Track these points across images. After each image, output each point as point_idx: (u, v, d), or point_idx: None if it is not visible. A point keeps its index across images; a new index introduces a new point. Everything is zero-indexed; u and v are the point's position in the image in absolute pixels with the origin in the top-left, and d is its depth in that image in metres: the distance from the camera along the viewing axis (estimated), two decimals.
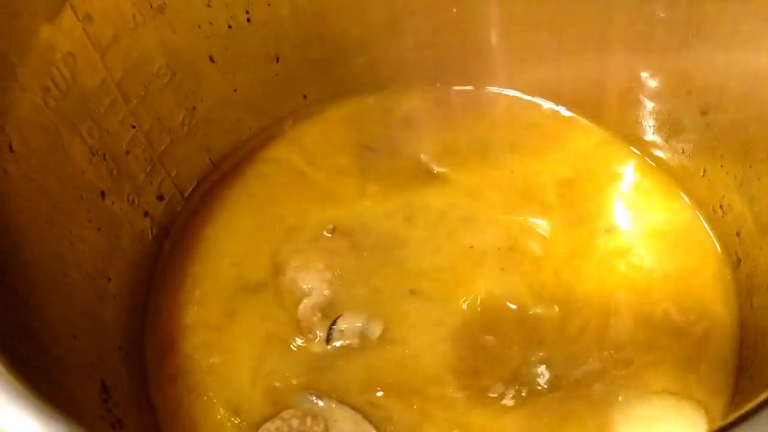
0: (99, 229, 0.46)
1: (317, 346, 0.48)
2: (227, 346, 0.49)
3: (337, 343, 0.48)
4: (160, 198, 0.52)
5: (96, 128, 0.45)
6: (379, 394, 0.46)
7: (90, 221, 0.45)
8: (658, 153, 0.54)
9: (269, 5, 0.52)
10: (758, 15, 0.43)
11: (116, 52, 0.45)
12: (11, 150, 0.38)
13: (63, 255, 0.42)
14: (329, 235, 0.53)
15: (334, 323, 0.48)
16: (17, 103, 0.39)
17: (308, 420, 0.47)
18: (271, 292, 0.51)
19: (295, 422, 0.47)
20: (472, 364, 0.47)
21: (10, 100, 0.38)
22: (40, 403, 0.27)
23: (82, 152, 0.44)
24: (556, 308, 0.49)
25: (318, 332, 0.48)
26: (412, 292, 0.50)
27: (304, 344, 0.48)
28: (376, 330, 0.48)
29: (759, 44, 0.44)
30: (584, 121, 0.56)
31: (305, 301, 0.49)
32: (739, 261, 0.49)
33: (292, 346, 0.48)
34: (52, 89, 0.41)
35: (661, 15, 0.48)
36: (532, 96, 0.57)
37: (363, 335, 0.48)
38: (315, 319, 0.48)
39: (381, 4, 0.55)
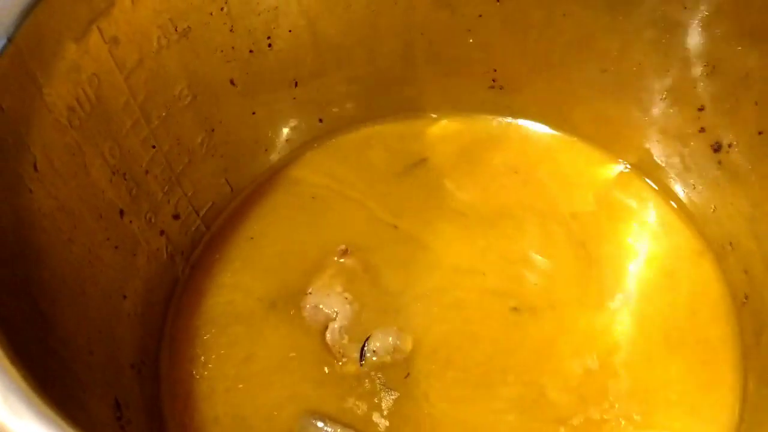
0: (116, 248, 0.47)
1: (351, 368, 0.49)
2: (245, 371, 0.49)
3: (373, 359, 0.49)
4: (176, 217, 0.53)
5: (117, 148, 0.46)
6: None
7: (108, 240, 0.46)
8: (671, 188, 0.54)
9: (290, 32, 0.53)
10: None
11: (140, 74, 0.46)
12: (36, 169, 0.39)
13: (81, 273, 0.43)
14: (342, 260, 0.54)
15: (365, 344, 0.49)
16: (43, 123, 0.40)
17: None
18: (290, 316, 0.51)
19: None
20: None
21: (36, 119, 0.39)
22: (58, 417, 0.27)
23: (104, 172, 0.45)
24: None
25: (352, 354, 0.49)
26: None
27: (337, 366, 0.49)
28: (407, 344, 0.49)
29: None
30: (600, 153, 0.57)
31: (332, 325, 0.50)
32: (746, 298, 0.50)
33: (324, 368, 0.49)
34: (77, 109, 0.42)
35: (677, 51, 0.49)
36: (552, 128, 0.58)
37: (396, 350, 0.49)
38: (344, 341, 0.49)
39: (395, 32, 0.56)
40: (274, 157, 0.59)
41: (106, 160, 0.45)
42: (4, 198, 0.36)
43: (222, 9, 0.49)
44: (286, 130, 0.58)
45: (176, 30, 0.47)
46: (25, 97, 0.38)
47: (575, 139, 0.58)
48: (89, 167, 0.44)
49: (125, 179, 0.47)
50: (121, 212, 0.47)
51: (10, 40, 0.37)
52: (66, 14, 0.40)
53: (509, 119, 0.59)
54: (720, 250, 0.52)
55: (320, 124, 0.59)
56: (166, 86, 0.48)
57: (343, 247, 0.54)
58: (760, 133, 0.46)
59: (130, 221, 0.48)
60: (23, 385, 0.27)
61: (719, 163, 0.50)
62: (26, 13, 0.37)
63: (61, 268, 0.40)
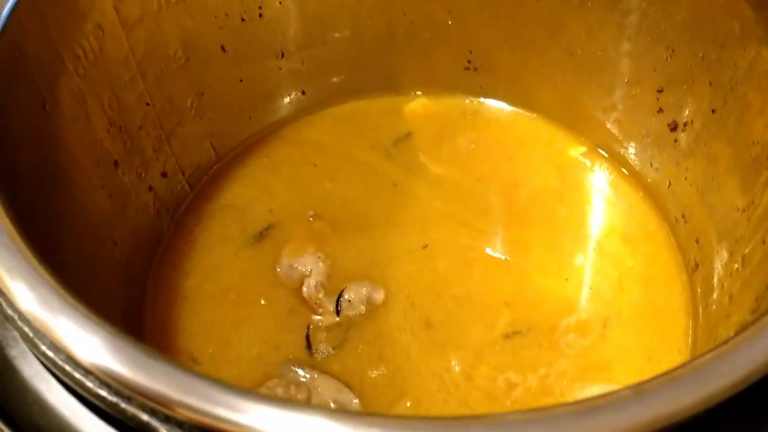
0: (110, 196, 0.49)
1: (328, 319, 0.51)
2: (223, 320, 0.52)
3: (349, 313, 0.52)
4: (164, 175, 0.55)
5: (116, 100, 0.48)
6: None
7: (103, 187, 0.48)
8: (631, 164, 0.59)
9: (280, 3, 0.56)
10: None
11: (140, 31, 0.48)
12: (45, 108, 0.41)
13: (78, 213, 0.45)
14: (312, 223, 0.57)
15: (341, 295, 0.52)
16: (53, 67, 0.42)
17: (292, 388, 0.50)
18: (269, 273, 0.54)
19: (279, 390, 0.50)
20: None
21: (47, 63, 0.41)
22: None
23: (102, 122, 0.47)
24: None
25: (329, 307, 0.52)
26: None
27: (314, 318, 0.52)
28: (380, 296, 0.52)
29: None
30: (565, 132, 0.61)
31: (308, 281, 0.53)
32: (697, 266, 0.54)
33: (302, 320, 0.52)
34: (82, 58, 0.44)
35: (640, 37, 0.53)
36: (521, 108, 0.62)
37: (369, 302, 0.52)
38: (320, 295, 0.52)
39: (378, 12, 0.59)
40: (258, 125, 0.61)
41: (105, 111, 0.47)
42: (23, 127, 0.38)
43: None
44: (271, 100, 0.61)
45: None
46: (39, 41, 0.41)
47: (542, 118, 0.62)
48: (90, 115, 0.46)
49: (121, 132, 0.49)
50: (116, 163, 0.49)
51: None
52: None
53: (482, 99, 0.63)
54: (674, 222, 0.56)
55: (304, 96, 0.62)
56: (163, 46, 0.51)
57: (311, 212, 0.57)
58: (713, 111, 0.50)
59: (123, 173, 0.50)
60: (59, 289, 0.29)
61: (675, 141, 0.55)
62: None
63: (63, 203, 0.42)
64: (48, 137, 0.41)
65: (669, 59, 0.52)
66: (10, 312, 0.30)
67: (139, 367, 0.26)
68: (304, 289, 0.53)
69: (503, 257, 0.55)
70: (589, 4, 0.54)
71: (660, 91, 0.54)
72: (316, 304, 0.52)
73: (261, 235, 0.56)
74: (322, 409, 0.25)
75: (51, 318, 0.28)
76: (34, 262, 0.29)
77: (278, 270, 0.54)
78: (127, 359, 0.27)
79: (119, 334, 0.27)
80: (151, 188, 0.54)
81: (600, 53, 0.56)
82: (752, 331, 0.28)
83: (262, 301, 0.52)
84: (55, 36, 0.42)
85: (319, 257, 0.54)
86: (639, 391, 0.26)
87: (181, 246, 0.56)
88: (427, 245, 0.55)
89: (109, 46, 0.46)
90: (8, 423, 0.30)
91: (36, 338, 0.29)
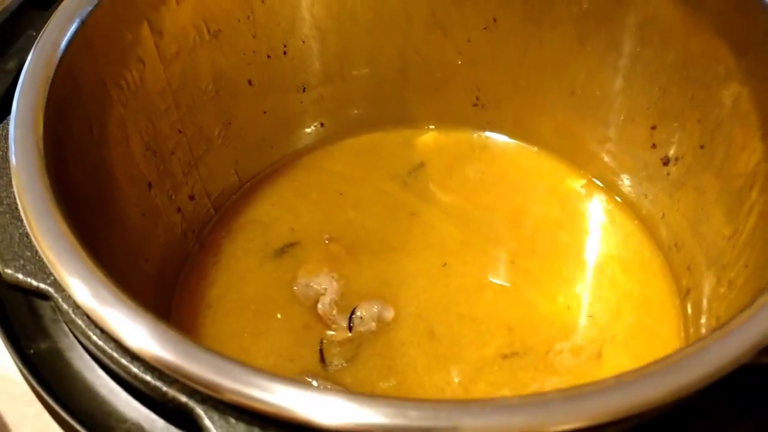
0: (143, 215, 0.53)
1: (341, 334, 0.55)
2: (245, 333, 0.56)
3: (361, 329, 0.55)
4: (192, 198, 0.60)
5: (152, 127, 0.53)
6: None
7: (137, 206, 0.52)
8: (627, 195, 0.63)
9: (303, 42, 0.61)
10: None
11: (176, 66, 0.53)
12: (92, 133, 0.46)
13: (115, 229, 0.49)
14: (328, 246, 0.61)
15: (353, 312, 0.56)
16: (99, 96, 0.47)
17: None
18: (287, 289, 0.58)
19: None
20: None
21: (95, 92, 0.46)
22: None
23: (140, 146, 0.52)
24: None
25: (342, 323, 0.56)
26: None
27: (329, 334, 0.55)
28: (390, 314, 0.56)
29: None
30: (565, 165, 0.65)
31: (323, 299, 0.57)
32: (688, 291, 0.57)
33: (317, 335, 0.55)
34: (125, 88, 0.49)
35: (635, 78, 0.57)
36: (525, 142, 0.67)
37: (380, 319, 0.56)
38: (334, 312, 0.56)
39: (393, 51, 0.64)
40: (279, 154, 0.66)
41: (143, 136, 0.52)
42: (74, 149, 0.42)
43: (248, 17, 0.57)
44: (292, 131, 0.66)
45: (209, 31, 0.55)
46: (90, 73, 0.45)
47: (544, 151, 0.66)
48: (129, 140, 0.50)
49: (155, 156, 0.54)
50: (150, 185, 0.54)
51: (83, 22, 0.44)
52: (126, 6, 0.47)
53: (488, 133, 0.68)
54: (667, 250, 0.60)
55: (323, 127, 0.67)
56: (196, 79, 0.56)
57: (327, 236, 0.61)
58: (701, 146, 0.54)
59: (155, 194, 0.55)
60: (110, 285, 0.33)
61: (668, 174, 0.59)
62: (97, 2, 0.45)
63: (105, 220, 0.46)
64: (94, 159, 0.45)
65: (661, 98, 0.57)
66: (65, 306, 0.34)
67: (180, 352, 0.30)
68: (319, 306, 0.57)
69: (508, 283, 0.59)
70: (589, 48, 0.59)
71: (653, 127, 0.58)
72: (330, 320, 0.56)
73: (282, 251, 0.60)
74: (341, 390, 0.29)
75: (104, 309, 0.32)
76: (90, 263, 0.33)
77: (295, 288, 0.58)
78: (170, 345, 0.30)
79: (163, 324, 0.31)
80: (179, 209, 0.58)
81: (598, 92, 0.61)
82: (719, 333, 0.32)
83: (279, 316, 0.56)
84: (103, 68, 0.46)
85: (334, 277, 0.58)
86: (620, 381, 0.30)
87: (208, 259, 0.60)
88: (445, 264, 0.59)
89: (149, 78, 0.51)
90: (63, 407, 0.34)
91: (88, 329, 0.33)
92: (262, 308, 0.57)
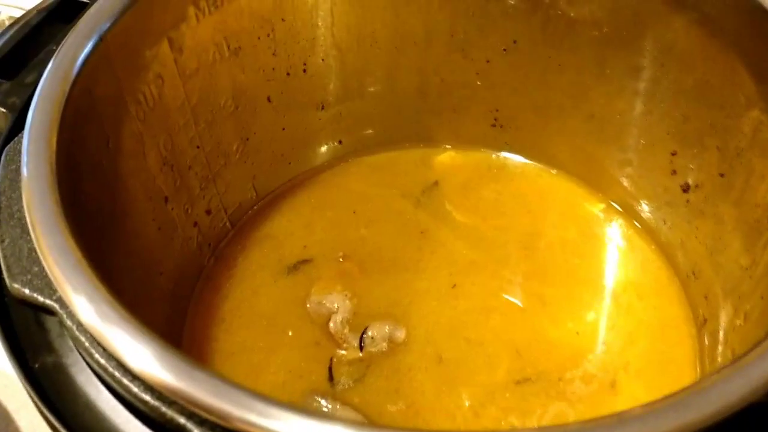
0: (159, 229, 0.53)
1: (351, 354, 0.55)
2: (256, 348, 0.56)
3: (372, 349, 0.55)
4: (208, 212, 0.60)
5: (170, 142, 0.53)
6: None
7: (153, 220, 0.53)
8: (645, 221, 0.62)
9: (323, 60, 0.61)
10: None
11: (195, 81, 0.54)
12: (107, 146, 0.46)
13: (131, 243, 0.50)
14: (341, 264, 0.61)
15: (364, 332, 0.56)
16: (117, 111, 0.47)
17: None
18: (299, 306, 0.58)
19: None
20: None
21: (113, 107, 0.47)
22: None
23: (157, 161, 0.52)
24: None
25: (353, 342, 0.56)
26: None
27: (340, 353, 0.55)
28: (401, 334, 0.56)
29: None
30: (584, 188, 0.65)
31: (335, 317, 0.57)
32: (705, 321, 0.56)
33: (328, 353, 0.55)
34: (143, 104, 0.49)
35: (655, 103, 0.57)
36: (543, 164, 0.66)
37: (391, 339, 0.55)
38: (345, 331, 0.56)
39: (412, 71, 0.64)
40: (297, 170, 0.66)
41: (160, 151, 0.52)
42: (88, 162, 0.43)
43: (268, 35, 0.57)
44: (310, 148, 0.66)
45: (229, 48, 0.55)
46: (108, 88, 0.46)
47: (562, 174, 0.66)
48: (146, 154, 0.51)
49: (172, 171, 0.54)
50: (166, 199, 0.54)
51: (101, 38, 0.44)
52: (146, 23, 0.48)
53: (506, 154, 0.67)
54: (685, 278, 0.59)
55: (340, 145, 0.67)
56: (215, 95, 0.56)
57: (341, 253, 0.61)
58: (721, 175, 0.53)
59: (172, 208, 0.55)
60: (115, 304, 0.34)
61: (687, 201, 0.58)
62: (116, 19, 0.45)
63: (119, 233, 0.47)
64: (109, 172, 0.46)
65: (682, 124, 0.56)
66: (69, 323, 0.35)
67: (181, 374, 0.30)
68: (331, 324, 0.57)
69: (518, 305, 0.58)
70: (608, 72, 0.58)
71: (674, 153, 0.57)
72: (341, 339, 0.56)
73: (295, 268, 0.60)
74: (349, 420, 0.29)
75: (106, 328, 0.32)
76: (95, 281, 0.34)
77: (308, 306, 0.58)
78: (171, 367, 0.31)
79: (165, 346, 0.31)
80: (195, 224, 0.59)
81: (618, 117, 0.60)
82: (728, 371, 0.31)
83: (290, 333, 0.56)
84: (122, 83, 0.47)
85: (346, 295, 0.58)
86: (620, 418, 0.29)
87: (223, 273, 0.61)
88: (455, 285, 0.59)
89: (168, 94, 0.51)
90: (63, 424, 0.35)
91: (91, 347, 0.34)
92: (274, 324, 0.57)
